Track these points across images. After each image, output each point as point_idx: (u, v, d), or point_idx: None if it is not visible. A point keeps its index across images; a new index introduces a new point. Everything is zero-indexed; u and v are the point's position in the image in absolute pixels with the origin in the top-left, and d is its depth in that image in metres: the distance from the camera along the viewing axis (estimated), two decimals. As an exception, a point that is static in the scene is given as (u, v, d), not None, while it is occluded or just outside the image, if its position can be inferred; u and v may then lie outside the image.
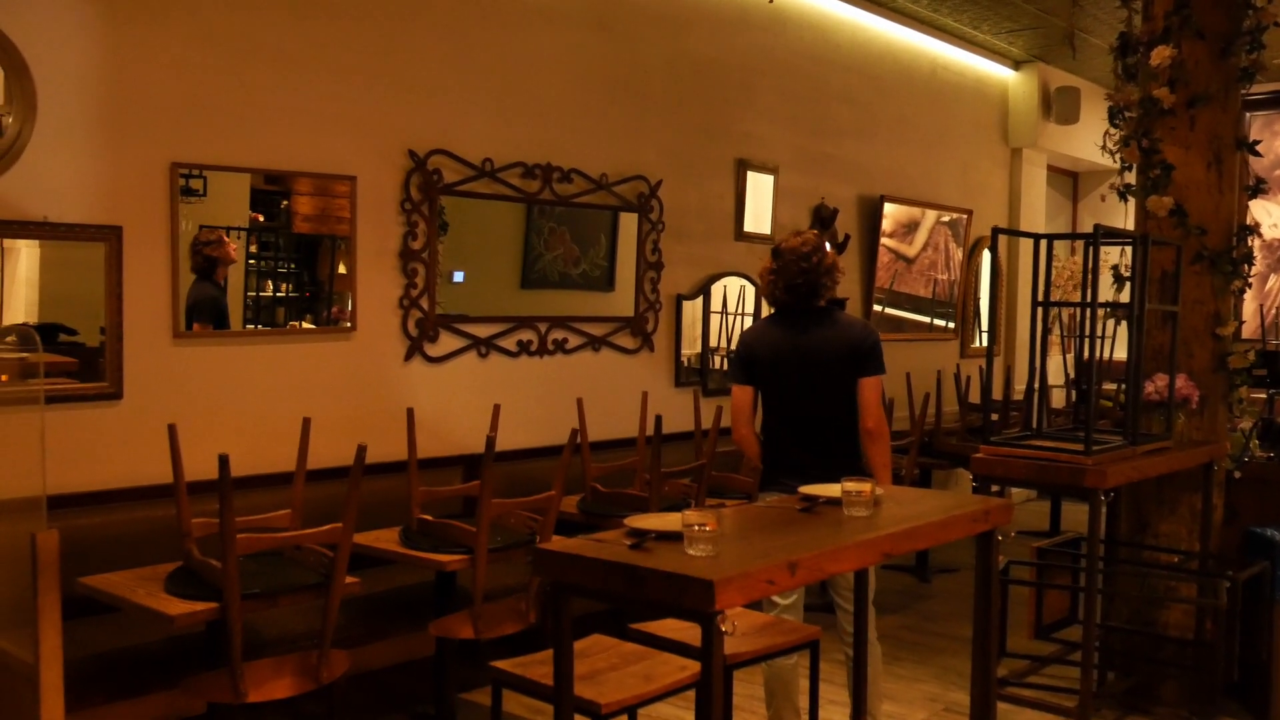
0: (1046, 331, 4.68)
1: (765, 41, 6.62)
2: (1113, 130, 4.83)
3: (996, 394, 7.41)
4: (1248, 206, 5.08)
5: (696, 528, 2.52)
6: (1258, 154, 4.81)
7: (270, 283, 4.58)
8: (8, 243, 3.75)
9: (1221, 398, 4.74)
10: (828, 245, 3.93)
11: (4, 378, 3.68)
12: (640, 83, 5.88)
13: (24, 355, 3.67)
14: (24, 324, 3.76)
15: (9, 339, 3.74)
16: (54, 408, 3.74)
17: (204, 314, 4.25)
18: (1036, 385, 4.86)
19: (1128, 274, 4.61)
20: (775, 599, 3.78)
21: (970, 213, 8.47)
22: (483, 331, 5.21)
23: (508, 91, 5.23)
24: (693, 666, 3.01)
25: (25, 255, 3.83)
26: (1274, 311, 8.40)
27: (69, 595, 3.29)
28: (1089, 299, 4.34)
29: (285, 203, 4.56)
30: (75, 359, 3.92)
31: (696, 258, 6.27)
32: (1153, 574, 4.66)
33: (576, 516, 4.65)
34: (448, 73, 4.99)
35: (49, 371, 3.72)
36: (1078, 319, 7.77)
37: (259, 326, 4.53)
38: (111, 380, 3.97)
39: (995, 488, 4.35)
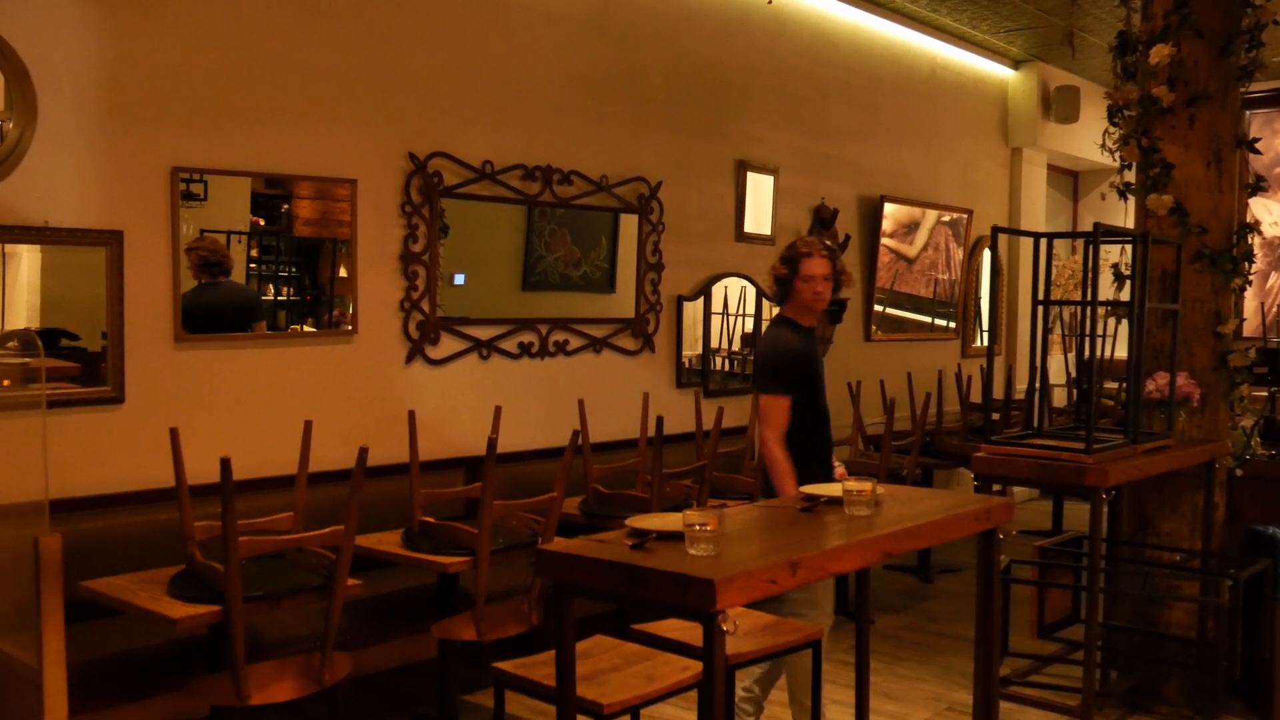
0: (1047, 330, 4.68)
1: (764, 42, 6.62)
2: (1112, 129, 4.83)
3: (997, 393, 7.41)
4: (1248, 204, 5.08)
5: (698, 527, 2.52)
6: (1257, 152, 4.81)
7: (271, 286, 4.59)
8: (9, 248, 3.75)
9: (1223, 396, 4.74)
10: None
11: (6, 383, 3.69)
12: (640, 84, 5.89)
13: (26, 360, 3.68)
14: (26, 329, 3.77)
15: (11, 344, 3.74)
16: (56, 412, 3.75)
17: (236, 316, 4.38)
18: (1037, 384, 4.87)
19: (1128, 272, 4.61)
20: None
21: (970, 212, 8.47)
22: (484, 334, 5.21)
23: (507, 94, 5.24)
24: (695, 667, 3.01)
25: (26, 260, 3.83)
26: (1275, 309, 8.40)
27: (72, 599, 3.30)
28: (1089, 298, 4.34)
29: (286, 206, 4.57)
30: (77, 363, 3.93)
31: (697, 259, 6.28)
32: (1155, 573, 4.66)
33: (578, 518, 4.65)
34: (447, 75, 4.99)
35: (51, 376, 3.73)
36: (1078, 318, 7.77)
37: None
38: (113, 384, 3.97)
39: (997, 487, 4.36)
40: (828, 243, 6.89)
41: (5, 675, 3.47)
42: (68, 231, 3.85)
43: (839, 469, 4.06)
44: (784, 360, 3.87)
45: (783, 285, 3.94)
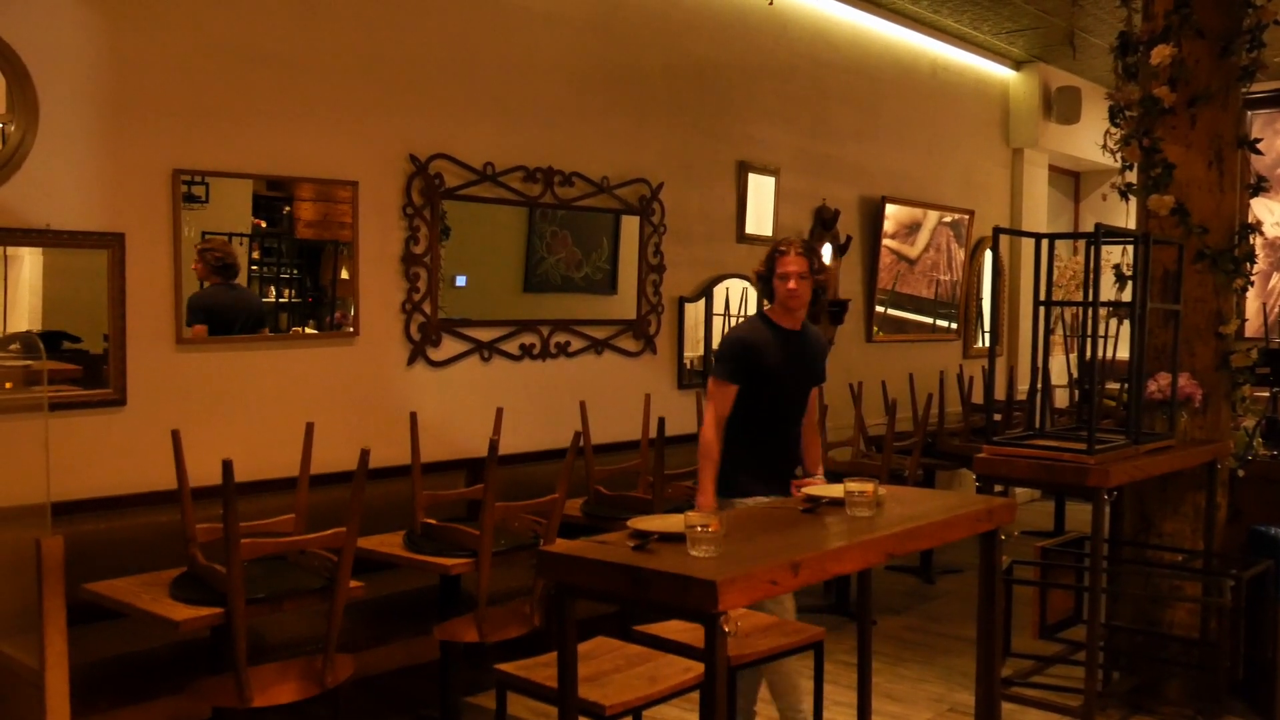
0: (1049, 331, 4.68)
1: (765, 43, 6.62)
2: (1113, 129, 4.83)
3: (999, 394, 7.42)
4: (1249, 205, 5.08)
5: (699, 529, 2.52)
6: (1259, 152, 4.81)
7: (273, 288, 4.59)
8: (11, 250, 3.76)
9: (1224, 396, 4.74)
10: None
11: (8, 385, 3.69)
12: (641, 85, 5.89)
13: (28, 363, 3.68)
14: (28, 331, 3.77)
15: (13, 346, 3.75)
16: (58, 415, 3.75)
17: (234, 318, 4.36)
18: (1039, 385, 4.86)
19: (1129, 273, 4.61)
20: None
21: (972, 213, 8.47)
22: (485, 335, 5.21)
23: (508, 95, 5.24)
24: (697, 668, 3.02)
25: (29, 263, 3.84)
26: (1277, 309, 8.39)
27: (74, 601, 3.30)
28: (1091, 298, 4.34)
29: (287, 208, 4.57)
30: (79, 366, 3.93)
31: (698, 260, 6.28)
32: (1157, 573, 4.66)
33: (580, 519, 4.66)
34: (449, 77, 5.00)
35: (53, 379, 3.74)
36: (1080, 318, 7.76)
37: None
38: (115, 387, 3.97)
39: (999, 487, 4.35)
40: (822, 244, 6.91)
41: (7, 678, 3.47)
42: (69, 234, 3.85)
43: (816, 479, 4.00)
44: (731, 348, 3.93)
45: (764, 284, 3.98)
